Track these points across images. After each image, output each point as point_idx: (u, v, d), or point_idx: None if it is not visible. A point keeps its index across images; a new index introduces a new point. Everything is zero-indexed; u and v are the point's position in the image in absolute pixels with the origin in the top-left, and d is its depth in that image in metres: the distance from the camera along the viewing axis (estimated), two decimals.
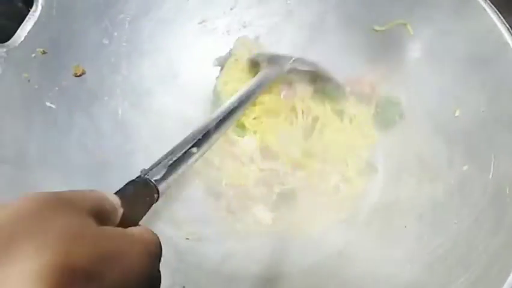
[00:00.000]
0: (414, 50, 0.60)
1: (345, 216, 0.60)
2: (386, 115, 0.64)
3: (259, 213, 0.59)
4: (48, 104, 0.50)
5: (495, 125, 0.51)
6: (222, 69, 0.68)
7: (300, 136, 0.63)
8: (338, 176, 0.61)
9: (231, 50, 0.68)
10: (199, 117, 0.65)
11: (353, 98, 0.65)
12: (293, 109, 0.64)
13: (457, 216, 0.51)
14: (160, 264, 0.52)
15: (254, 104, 0.63)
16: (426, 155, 0.59)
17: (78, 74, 0.53)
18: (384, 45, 0.63)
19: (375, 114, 0.65)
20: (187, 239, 0.56)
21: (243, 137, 0.63)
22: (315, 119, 0.63)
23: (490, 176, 0.49)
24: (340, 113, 0.64)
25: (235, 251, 0.58)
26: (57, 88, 0.51)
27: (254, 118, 0.63)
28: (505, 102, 0.50)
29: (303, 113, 0.63)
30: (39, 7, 0.49)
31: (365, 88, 0.65)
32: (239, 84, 0.64)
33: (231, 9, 0.67)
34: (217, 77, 0.67)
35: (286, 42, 0.69)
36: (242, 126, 0.63)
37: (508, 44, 0.50)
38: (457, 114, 0.55)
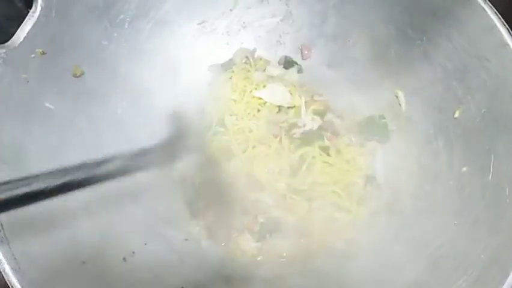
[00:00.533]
0: (414, 51, 0.60)
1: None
2: (378, 129, 0.64)
3: (243, 243, 0.58)
4: (47, 104, 0.50)
5: (495, 126, 0.51)
6: (215, 77, 0.67)
7: (287, 172, 0.62)
8: (332, 207, 0.60)
9: (229, 60, 0.68)
10: (198, 117, 0.66)
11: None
12: (280, 141, 0.63)
13: (457, 217, 0.51)
14: (160, 265, 0.52)
15: (242, 131, 0.63)
16: (425, 156, 0.59)
17: (77, 75, 0.53)
18: (384, 45, 0.63)
19: (361, 132, 0.65)
20: (186, 239, 0.56)
21: (229, 160, 0.62)
22: (303, 157, 0.62)
23: (490, 177, 0.49)
24: (326, 149, 0.63)
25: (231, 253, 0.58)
26: (56, 89, 0.51)
27: (242, 143, 0.63)
28: (505, 103, 0.50)
29: (289, 147, 0.62)
30: (39, 8, 0.49)
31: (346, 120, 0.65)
32: (227, 103, 0.65)
33: (231, 10, 0.67)
34: (209, 84, 0.68)
35: (285, 43, 0.70)
36: (229, 150, 0.62)
37: (507, 44, 0.50)
38: (456, 115, 0.55)
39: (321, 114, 0.65)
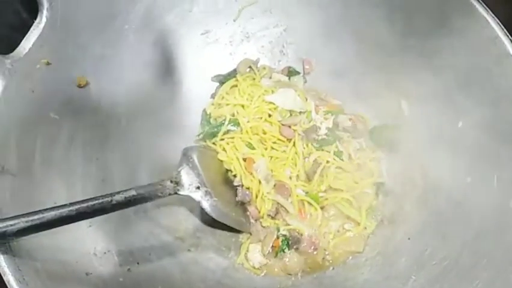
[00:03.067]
0: (417, 61, 0.60)
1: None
2: (384, 138, 0.64)
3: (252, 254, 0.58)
4: (52, 115, 0.50)
5: (498, 136, 0.50)
6: (219, 86, 0.68)
7: (303, 177, 0.62)
8: (343, 218, 0.60)
9: (232, 70, 0.69)
10: (204, 124, 0.66)
11: (347, 135, 0.65)
12: (294, 145, 0.62)
13: (461, 228, 0.50)
14: (163, 275, 0.52)
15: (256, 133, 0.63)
16: (429, 165, 0.59)
17: (82, 85, 0.53)
18: (387, 55, 0.63)
19: (371, 139, 0.65)
20: (188, 250, 0.56)
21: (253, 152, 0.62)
22: (317, 162, 0.61)
23: (493, 187, 0.49)
24: (340, 154, 0.63)
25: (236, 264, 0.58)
26: (61, 99, 0.51)
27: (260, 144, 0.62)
28: (509, 113, 0.50)
29: (303, 154, 0.62)
30: (44, 19, 0.49)
31: (358, 123, 0.65)
32: (231, 110, 0.64)
33: (234, 20, 0.68)
34: (212, 94, 0.68)
35: (288, 53, 0.70)
36: (251, 146, 0.62)
37: (510, 54, 0.50)
38: (459, 124, 0.55)
39: (333, 115, 0.65)
